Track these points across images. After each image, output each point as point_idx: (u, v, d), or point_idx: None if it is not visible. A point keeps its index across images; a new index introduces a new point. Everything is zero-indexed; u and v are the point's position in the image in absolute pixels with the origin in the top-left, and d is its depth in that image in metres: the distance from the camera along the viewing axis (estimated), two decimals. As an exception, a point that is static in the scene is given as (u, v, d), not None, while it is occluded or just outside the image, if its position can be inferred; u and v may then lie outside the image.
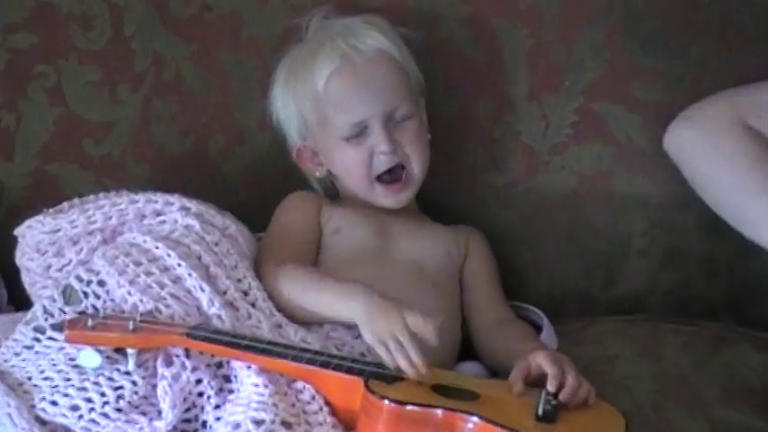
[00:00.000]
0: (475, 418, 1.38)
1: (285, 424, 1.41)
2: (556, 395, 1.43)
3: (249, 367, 1.46)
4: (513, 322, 1.72)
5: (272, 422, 1.40)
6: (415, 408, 1.40)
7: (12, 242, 1.69)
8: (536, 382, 1.48)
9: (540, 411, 1.41)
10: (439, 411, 1.39)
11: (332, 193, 1.81)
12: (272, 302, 1.59)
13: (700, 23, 1.82)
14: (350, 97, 1.71)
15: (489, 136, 1.85)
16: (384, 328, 1.49)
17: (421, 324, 1.48)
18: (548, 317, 1.74)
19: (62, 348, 1.51)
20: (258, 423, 1.39)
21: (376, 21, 1.77)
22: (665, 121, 1.79)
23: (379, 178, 1.73)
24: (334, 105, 1.71)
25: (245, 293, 1.58)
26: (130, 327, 1.47)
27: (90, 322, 1.48)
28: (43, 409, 1.46)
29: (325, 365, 1.46)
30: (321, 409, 1.46)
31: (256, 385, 1.44)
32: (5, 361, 1.53)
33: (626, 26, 1.82)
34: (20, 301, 1.75)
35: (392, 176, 1.73)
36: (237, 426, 1.40)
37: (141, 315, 1.49)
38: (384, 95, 1.71)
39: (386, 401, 1.40)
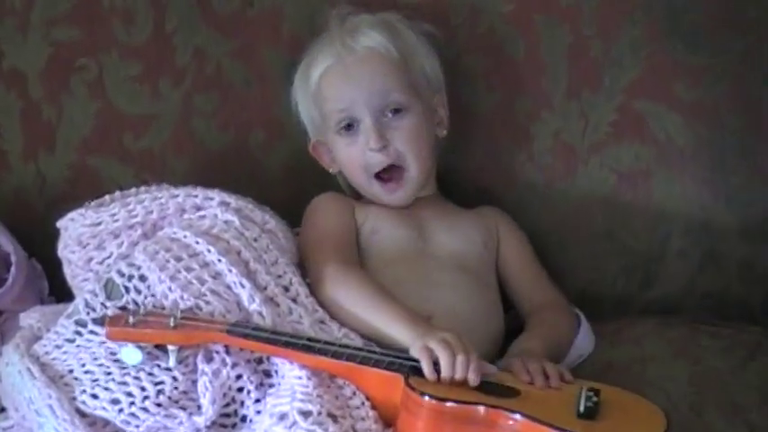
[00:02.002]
0: (517, 416, 1.38)
1: (332, 416, 1.41)
2: (597, 392, 1.44)
3: (291, 362, 1.47)
4: (557, 311, 1.72)
5: (319, 413, 1.40)
6: (456, 404, 1.40)
7: (52, 234, 1.70)
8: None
9: (582, 408, 1.41)
10: (481, 408, 1.40)
11: (352, 189, 1.82)
12: (322, 303, 1.60)
13: (742, 20, 1.80)
14: (337, 90, 1.73)
15: (528, 133, 1.84)
16: (437, 334, 1.48)
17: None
18: (585, 317, 1.73)
19: (103, 342, 1.52)
20: (305, 414, 1.40)
21: (385, 18, 1.78)
22: (706, 120, 1.78)
23: (377, 175, 1.74)
24: (325, 98, 1.74)
25: (286, 289, 1.58)
26: (171, 324, 1.48)
27: (131, 319, 1.49)
28: (84, 402, 1.47)
29: (365, 362, 1.47)
30: (363, 403, 1.46)
31: (299, 378, 1.45)
32: (47, 353, 1.55)
33: (667, 23, 1.80)
34: (61, 293, 1.77)
35: (388, 175, 1.74)
36: (284, 416, 1.41)
37: (182, 312, 1.50)
38: (371, 87, 1.71)
39: (426, 398, 1.40)
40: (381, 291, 1.61)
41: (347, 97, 1.72)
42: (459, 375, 1.44)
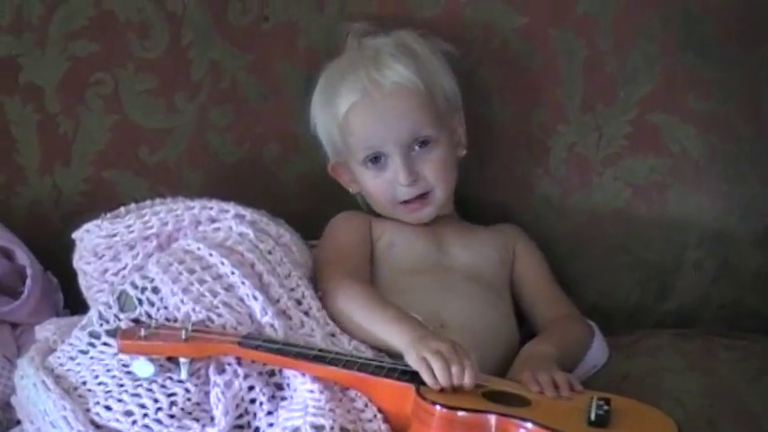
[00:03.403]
0: (529, 424, 1.38)
1: (344, 430, 1.41)
2: (608, 401, 1.43)
3: (303, 375, 1.47)
4: (571, 322, 1.72)
5: (332, 428, 1.40)
6: (467, 413, 1.40)
7: (68, 247, 1.71)
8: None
9: (593, 416, 1.41)
10: (492, 417, 1.40)
11: (370, 207, 1.82)
12: (332, 316, 1.60)
13: (756, 32, 1.81)
14: (367, 129, 1.72)
15: (543, 146, 1.84)
16: (431, 345, 1.48)
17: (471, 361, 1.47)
18: (598, 328, 1.73)
19: (116, 354, 1.52)
20: (318, 428, 1.40)
21: (405, 43, 1.77)
22: (720, 133, 1.78)
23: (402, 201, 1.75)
24: (353, 135, 1.74)
25: (299, 302, 1.59)
26: (183, 336, 1.48)
27: (143, 332, 1.49)
28: (97, 414, 1.48)
29: (376, 372, 1.47)
30: (375, 416, 1.46)
31: (312, 391, 1.45)
32: (61, 365, 1.55)
33: (681, 36, 1.81)
34: (76, 306, 1.77)
35: (414, 199, 1.74)
36: (296, 430, 1.41)
37: (193, 324, 1.51)
38: (401, 126, 1.71)
39: (438, 407, 1.40)
40: (380, 298, 1.62)
41: (376, 139, 1.72)
42: (455, 382, 1.44)
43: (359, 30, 1.80)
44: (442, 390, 1.44)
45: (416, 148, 1.72)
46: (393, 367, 1.48)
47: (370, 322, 1.57)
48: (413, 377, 1.46)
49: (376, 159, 1.73)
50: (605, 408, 1.42)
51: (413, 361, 1.48)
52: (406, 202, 1.74)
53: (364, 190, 1.78)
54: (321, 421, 1.41)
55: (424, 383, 1.45)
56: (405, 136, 1.71)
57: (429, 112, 1.73)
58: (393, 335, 1.54)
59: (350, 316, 1.59)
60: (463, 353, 1.47)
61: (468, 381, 1.44)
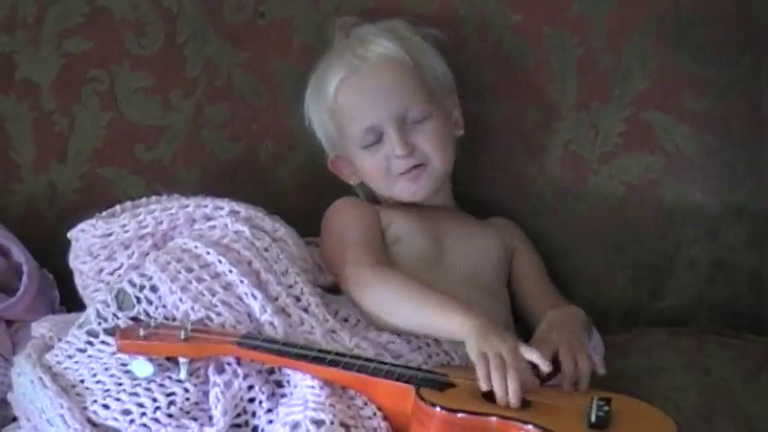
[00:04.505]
0: (530, 427, 1.39)
1: (344, 426, 1.41)
2: (608, 401, 1.44)
3: (303, 372, 1.47)
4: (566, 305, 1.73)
5: (332, 423, 1.40)
6: (467, 415, 1.40)
7: (64, 244, 1.70)
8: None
9: (594, 418, 1.41)
10: (493, 419, 1.40)
11: (372, 198, 1.82)
12: (358, 307, 1.60)
13: (750, 32, 1.82)
14: (358, 104, 1.73)
15: (538, 144, 1.85)
16: (495, 345, 1.48)
17: (533, 355, 1.48)
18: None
19: (114, 353, 1.52)
20: (318, 423, 1.40)
21: (391, 26, 1.78)
22: (714, 131, 1.79)
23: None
24: (346, 114, 1.74)
25: (297, 299, 1.58)
26: (182, 336, 1.48)
27: (142, 332, 1.49)
28: (95, 412, 1.48)
29: (376, 373, 1.47)
30: (374, 414, 1.46)
31: (312, 387, 1.45)
32: (59, 363, 1.55)
33: (676, 35, 1.81)
34: (72, 303, 1.77)
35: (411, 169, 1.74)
36: (297, 425, 1.41)
37: (192, 324, 1.50)
38: (392, 99, 1.72)
39: (437, 409, 1.41)
40: (426, 285, 1.61)
41: (370, 115, 1.71)
42: (511, 400, 1.44)
43: (346, 23, 1.80)
44: (444, 387, 1.45)
45: (410, 122, 1.72)
46: (392, 369, 1.47)
47: (423, 308, 1.57)
48: (412, 378, 1.46)
49: (372, 139, 1.72)
50: (605, 409, 1.42)
51: (473, 353, 1.48)
52: (403, 174, 1.74)
53: (364, 175, 1.77)
54: (321, 416, 1.41)
55: (424, 384, 1.45)
56: (396, 108, 1.71)
57: (418, 86, 1.73)
58: (454, 321, 1.54)
59: (396, 303, 1.59)
60: (519, 361, 1.47)
61: (513, 401, 1.44)
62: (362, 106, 1.73)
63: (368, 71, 1.73)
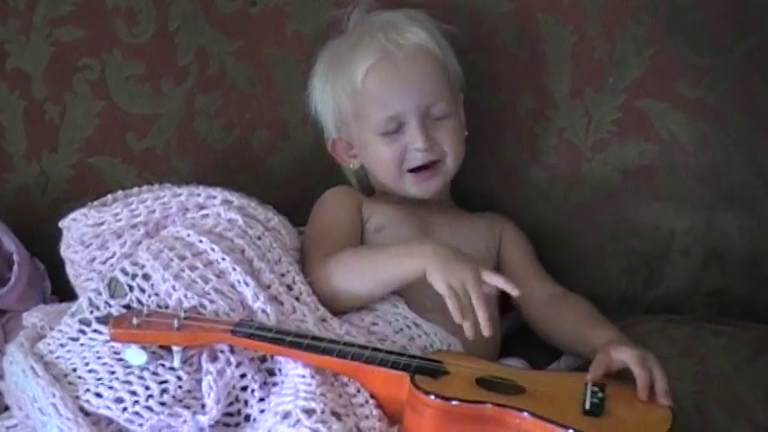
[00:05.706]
0: (524, 414, 1.38)
1: (335, 414, 1.41)
2: (603, 387, 1.44)
3: (295, 361, 1.47)
4: (569, 296, 1.72)
5: (323, 412, 1.40)
6: (462, 403, 1.40)
7: (55, 233, 1.70)
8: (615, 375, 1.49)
9: (588, 405, 1.41)
10: (487, 407, 1.39)
11: (366, 186, 1.82)
12: (321, 294, 1.60)
13: (745, 20, 1.80)
14: (387, 91, 1.71)
15: (532, 132, 1.84)
16: (458, 275, 1.50)
17: (498, 280, 1.50)
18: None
19: (107, 341, 1.51)
20: (308, 412, 1.39)
21: (418, 16, 1.77)
22: (709, 119, 1.78)
23: (410, 170, 1.73)
24: (372, 99, 1.72)
25: (290, 287, 1.59)
26: (175, 325, 1.48)
27: (135, 320, 1.49)
28: (87, 401, 1.47)
29: (370, 360, 1.46)
30: (367, 401, 1.46)
31: (303, 376, 1.45)
32: (51, 352, 1.55)
33: (670, 22, 1.81)
34: (64, 292, 1.77)
35: (425, 167, 1.73)
36: (287, 415, 1.40)
37: (186, 312, 1.50)
38: (422, 91, 1.71)
39: (432, 397, 1.40)
40: (372, 247, 1.64)
41: (397, 105, 1.70)
42: (483, 331, 1.48)
43: (364, 6, 1.79)
44: (439, 375, 1.44)
45: (432, 117, 1.71)
46: (387, 357, 1.47)
47: (380, 261, 1.59)
48: (407, 366, 1.45)
49: (393, 127, 1.71)
50: (600, 395, 1.42)
51: (438, 285, 1.50)
52: (415, 170, 1.73)
53: (372, 161, 1.76)
54: (312, 405, 1.40)
55: (418, 372, 1.44)
56: (423, 101, 1.70)
57: (444, 82, 1.73)
58: (411, 253, 1.56)
59: (348, 277, 1.59)
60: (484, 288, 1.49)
61: (486, 332, 1.47)
62: (392, 94, 1.71)
63: (403, 59, 1.71)
